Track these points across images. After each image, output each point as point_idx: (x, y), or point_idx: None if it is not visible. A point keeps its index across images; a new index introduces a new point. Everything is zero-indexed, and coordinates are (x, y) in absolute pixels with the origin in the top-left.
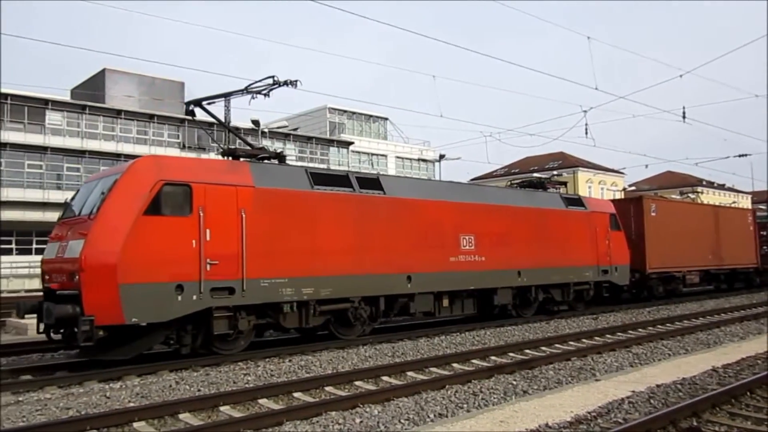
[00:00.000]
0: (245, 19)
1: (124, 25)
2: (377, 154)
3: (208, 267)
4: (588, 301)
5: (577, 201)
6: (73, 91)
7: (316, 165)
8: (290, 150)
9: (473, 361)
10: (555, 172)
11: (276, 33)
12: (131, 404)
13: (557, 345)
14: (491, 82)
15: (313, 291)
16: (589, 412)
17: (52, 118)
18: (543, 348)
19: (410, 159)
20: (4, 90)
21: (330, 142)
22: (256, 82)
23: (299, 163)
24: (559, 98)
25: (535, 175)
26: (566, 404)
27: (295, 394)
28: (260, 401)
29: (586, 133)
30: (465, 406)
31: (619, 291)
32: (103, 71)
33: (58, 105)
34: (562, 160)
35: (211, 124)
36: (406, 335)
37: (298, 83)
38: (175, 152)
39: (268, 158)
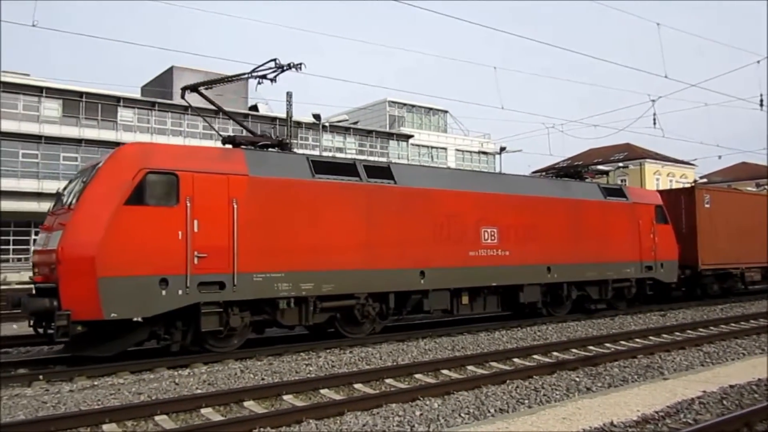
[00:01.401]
0: (305, 14)
1: (192, 23)
2: (437, 147)
3: (196, 260)
4: (630, 299)
5: (617, 191)
6: (143, 88)
7: (376, 159)
8: (350, 144)
9: (535, 356)
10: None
11: (336, 27)
12: (199, 391)
13: (622, 342)
14: (554, 72)
15: (314, 286)
16: (656, 412)
17: (124, 115)
18: (607, 345)
19: (470, 152)
20: (80, 88)
21: (390, 136)
22: (260, 66)
23: (360, 157)
24: (626, 87)
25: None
26: (632, 403)
27: (356, 385)
28: (322, 391)
29: (654, 123)
30: (526, 401)
31: (666, 289)
32: (171, 69)
33: (130, 102)
34: (627, 152)
35: (214, 110)
36: (465, 329)
37: (302, 66)
38: None
39: (271, 146)
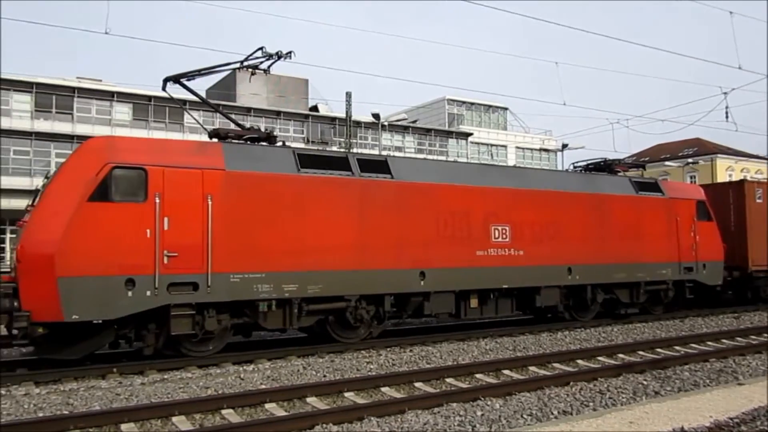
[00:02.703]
0: (361, 13)
1: (254, 26)
2: (497, 145)
3: (166, 259)
4: (668, 303)
5: (651, 186)
6: (208, 91)
7: (435, 157)
8: (409, 142)
9: (599, 358)
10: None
11: (394, 27)
12: (263, 386)
13: (693, 345)
14: (618, 65)
15: (298, 288)
16: (731, 418)
17: (190, 117)
18: (677, 347)
19: (531, 149)
20: (148, 93)
21: (449, 134)
22: (250, 55)
23: (419, 156)
24: (695, 80)
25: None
26: (704, 408)
27: (416, 384)
28: (382, 389)
29: (727, 116)
30: (591, 404)
31: (712, 292)
32: (234, 71)
33: (195, 105)
34: (697, 147)
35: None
36: (527, 329)
37: (292, 55)
38: (299, 146)
39: (258, 140)
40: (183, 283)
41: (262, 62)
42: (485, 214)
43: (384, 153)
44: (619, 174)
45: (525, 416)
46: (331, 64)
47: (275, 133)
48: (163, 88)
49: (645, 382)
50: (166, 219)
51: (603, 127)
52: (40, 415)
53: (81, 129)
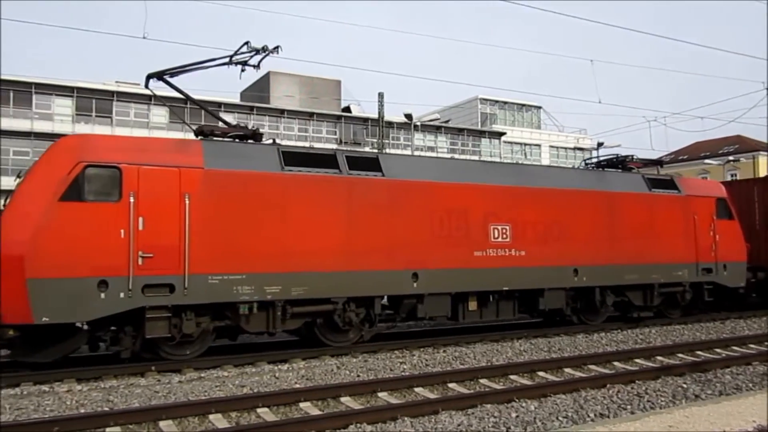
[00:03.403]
0: (393, 14)
1: (287, 29)
2: (530, 144)
3: (140, 260)
4: (686, 306)
5: (666, 183)
6: (242, 93)
7: (468, 157)
8: (441, 142)
9: (637, 360)
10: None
11: (427, 26)
12: (297, 385)
13: (734, 347)
14: (655, 62)
15: (281, 290)
16: None
17: (225, 119)
18: (717, 350)
19: (565, 148)
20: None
21: (481, 134)
22: (237, 50)
23: (448, 156)
24: (735, 75)
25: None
26: (747, 412)
27: (450, 385)
28: (416, 389)
29: None
30: (628, 407)
31: (734, 294)
32: (268, 74)
33: (230, 107)
34: (738, 144)
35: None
36: (563, 330)
37: (279, 50)
38: (332, 147)
39: (245, 137)
40: (158, 284)
41: (251, 57)
42: (484, 213)
43: (417, 153)
44: (633, 171)
45: (560, 418)
46: (363, 65)
47: (308, 134)
48: (146, 85)
49: (685, 385)
50: (140, 219)
51: (639, 124)
52: (82, 411)
53: (119, 132)
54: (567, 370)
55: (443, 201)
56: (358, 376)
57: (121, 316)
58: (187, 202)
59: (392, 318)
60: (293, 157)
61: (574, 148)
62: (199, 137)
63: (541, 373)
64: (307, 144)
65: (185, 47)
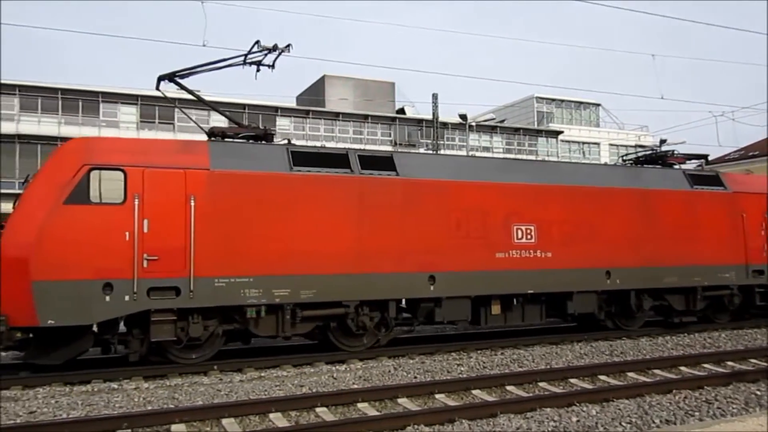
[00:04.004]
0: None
1: (342, 32)
2: (589, 143)
3: (145, 263)
4: (735, 311)
5: (710, 179)
6: (298, 97)
7: (524, 157)
8: (497, 142)
9: (705, 365)
10: None
11: (482, 25)
12: (355, 386)
13: None
14: (722, 54)
15: (290, 293)
16: None
17: (282, 123)
18: None
19: (626, 146)
20: (243, 101)
21: (538, 133)
22: (250, 51)
23: (506, 156)
24: None
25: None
26: None
27: (508, 387)
28: (474, 392)
29: None
30: (696, 413)
31: None
32: (323, 78)
33: (286, 111)
34: None
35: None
36: (624, 334)
37: (290, 48)
38: (387, 149)
39: (256, 137)
40: (164, 287)
41: (264, 57)
42: (506, 212)
43: (471, 154)
44: (675, 167)
45: (624, 424)
46: (417, 67)
47: (363, 136)
48: (157, 87)
49: (759, 393)
50: (145, 221)
51: (705, 120)
52: (149, 408)
53: (182, 137)
54: (630, 374)
55: (461, 200)
56: (415, 377)
57: (131, 318)
58: (192, 203)
59: (409, 322)
60: (302, 157)
61: (635, 146)
62: (212, 138)
63: (602, 377)
64: (362, 146)
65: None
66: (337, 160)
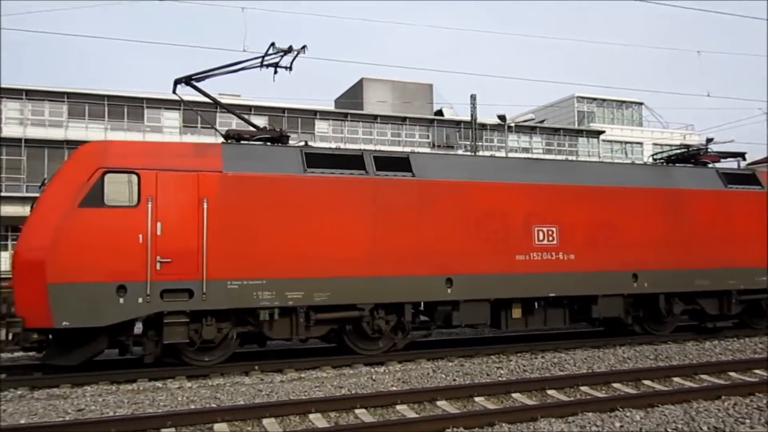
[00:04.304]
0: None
1: (381, 35)
2: (631, 142)
3: (159, 265)
4: None
5: (747, 178)
6: (336, 101)
7: (565, 157)
8: (536, 143)
9: (756, 371)
10: None
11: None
12: (394, 388)
13: None
14: None
15: (303, 296)
16: None
17: (320, 126)
18: None
19: (670, 145)
20: (282, 105)
21: (578, 133)
22: (266, 53)
23: (545, 157)
24: None
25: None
26: None
27: (549, 391)
28: (513, 395)
29: None
30: (747, 421)
31: None
32: (361, 81)
33: (325, 114)
34: None
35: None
36: (670, 338)
37: (305, 50)
38: (425, 151)
39: (272, 140)
40: (177, 289)
41: (281, 59)
42: (526, 213)
43: (511, 155)
44: (709, 165)
45: (669, 430)
46: (455, 68)
47: (401, 139)
48: (173, 91)
49: None
50: (159, 224)
51: (755, 117)
52: (192, 407)
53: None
54: (676, 379)
55: (480, 201)
56: (455, 380)
57: (146, 320)
58: (205, 206)
59: (427, 326)
60: (316, 159)
61: (680, 146)
62: (229, 141)
63: (647, 382)
64: (400, 148)
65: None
66: (352, 161)
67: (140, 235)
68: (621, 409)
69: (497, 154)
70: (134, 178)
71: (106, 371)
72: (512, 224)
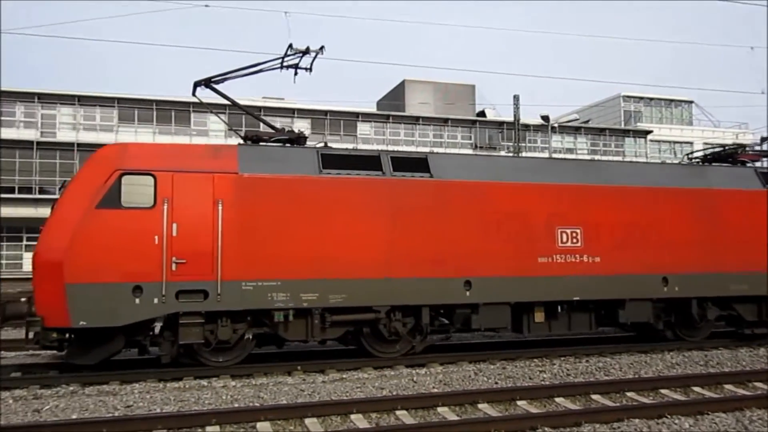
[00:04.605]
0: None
1: (422, 37)
2: (680, 142)
3: (174, 266)
4: None
5: None
6: (378, 102)
7: (610, 158)
8: (581, 144)
9: None
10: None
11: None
12: (435, 390)
13: None
14: None
15: (318, 297)
16: None
17: (362, 128)
18: None
19: (722, 145)
20: (324, 107)
21: (625, 133)
22: (286, 55)
23: (587, 158)
24: None
25: None
26: None
27: (594, 396)
28: (557, 399)
29: None
30: None
31: None
32: (403, 82)
33: (367, 117)
34: None
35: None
36: (721, 343)
37: (323, 50)
38: (467, 152)
39: (289, 141)
40: (192, 290)
41: (300, 60)
42: (549, 215)
43: (555, 156)
44: (748, 165)
45: None
46: (497, 68)
47: (443, 140)
48: (193, 93)
49: None
50: (174, 225)
51: None
52: (236, 405)
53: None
54: (728, 386)
55: (500, 203)
56: (496, 383)
57: (165, 320)
58: (220, 207)
59: (446, 329)
60: (332, 160)
61: (717, 145)
62: (248, 142)
63: (696, 389)
64: (442, 149)
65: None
66: (369, 162)
67: (156, 237)
68: (669, 416)
69: (540, 155)
70: (150, 179)
71: (153, 369)
72: (534, 226)
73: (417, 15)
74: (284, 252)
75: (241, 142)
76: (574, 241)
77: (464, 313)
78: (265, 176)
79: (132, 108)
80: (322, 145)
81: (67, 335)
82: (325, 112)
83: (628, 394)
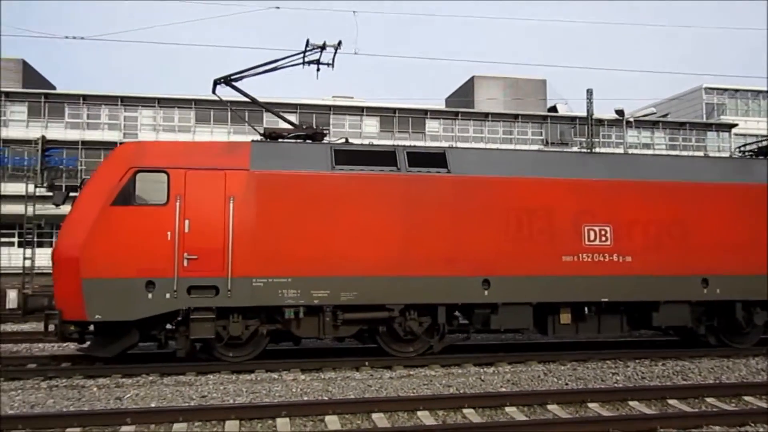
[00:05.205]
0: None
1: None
2: None
3: (186, 262)
4: None
5: None
6: (447, 99)
7: (691, 153)
8: (659, 138)
9: None
10: None
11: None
12: (503, 389)
13: None
14: None
15: (329, 294)
16: None
17: (431, 125)
18: None
19: None
20: (393, 105)
21: (707, 127)
22: (307, 50)
23: (667, 153)
24: None
25: None
26: None
27: (670, 401)
28: (630, 403)
29: None
30: None
31: None
32: (472, 79)
33: (435, 114)
34: None
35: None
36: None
37: (341, 45)
38: (537, 148)
39: (306, 137)
40: (203, 286)
41: (320, 55)
42: (575, 212)
43: (630, 151)
44: None
45: None
46: (570, 62)
47: (513, 136)
48: (213, 91)
49: None
50: (186, 221)
51: None
52: (305, 398)
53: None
54: None
55: (522, 199)
56: (566, 384)
57: (174, 315)
58: (231, 204)
59: (465, 329)
60: (346, 156)
61: None
62: (267, 139)
63: None
64: (512, 146)
65: (397, 60)
66: (383, 157)
67: (169, 233)
68: (753, 425)
69: (615, 150)
70: (163, 177)
71: (224, 362)
72: (559, 223)
73: (487, 10)
74: (295, 249)
75: (260, 138)
76: (603, 239)
77: (483, 313)
78: (276, 173)
79: (208, 109)
80: (342, 141)
81: (89, 328)
82: (394, 110)
83: (708, 399)
